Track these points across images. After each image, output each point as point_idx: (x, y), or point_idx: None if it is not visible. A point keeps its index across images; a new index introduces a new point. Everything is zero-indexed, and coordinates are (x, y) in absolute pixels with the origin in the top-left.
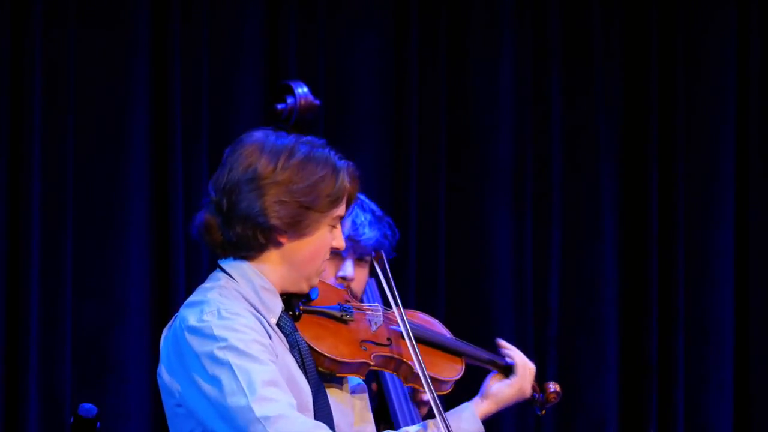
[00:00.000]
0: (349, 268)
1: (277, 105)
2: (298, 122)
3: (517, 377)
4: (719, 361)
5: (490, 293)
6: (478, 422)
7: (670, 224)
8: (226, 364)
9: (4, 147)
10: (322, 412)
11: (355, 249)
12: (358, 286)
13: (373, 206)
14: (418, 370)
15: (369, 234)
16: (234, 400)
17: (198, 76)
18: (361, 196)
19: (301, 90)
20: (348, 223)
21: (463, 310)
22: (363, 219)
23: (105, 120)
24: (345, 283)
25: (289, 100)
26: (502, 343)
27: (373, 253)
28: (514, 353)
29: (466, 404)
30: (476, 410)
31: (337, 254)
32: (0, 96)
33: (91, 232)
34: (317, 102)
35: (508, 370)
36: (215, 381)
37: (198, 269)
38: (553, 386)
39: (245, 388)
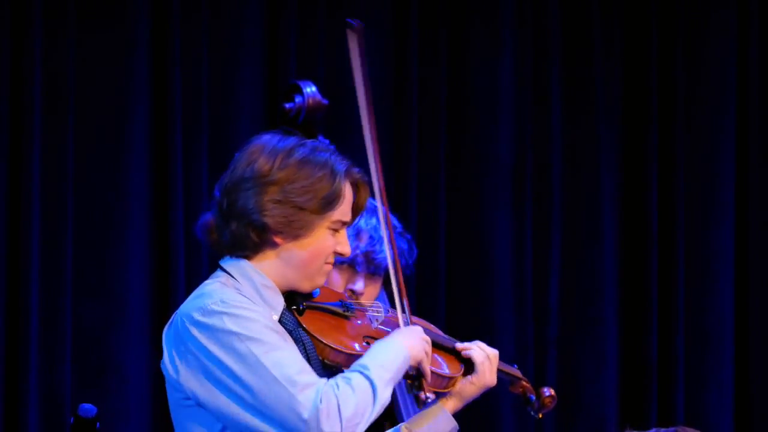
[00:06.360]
0: (359, 284)
1: (285, 104)
2: (306, 121)
3: (477, 374)
4: (719, 361)
5: (490, 293)
6: (453, 421)
7: (670, 224)
8: (252, 358)
9: (4, 147)
10: None
11: (369, 265)
12: (367, 300)
13: (395, 221)
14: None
15: (385, 252)
16: (273, 394)
17: (198, 76)
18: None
19: (310, 89)
20: (365, 237)
21: (463, 310)
22: (381, 235)
23: (105, 120)
24: (353, 296)
25: (297, 99)
26: (459, 345)
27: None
28: (472, 351)
29: (434, 403)
30: (447, 409)
31: (351, 267)
32: (0, 97)
33: (91, 232)
34: (325, 101)
35: (470, 366)
36: (242, 376)
37: (198, 269)
38: (548, 391)
39: (282, 381)
